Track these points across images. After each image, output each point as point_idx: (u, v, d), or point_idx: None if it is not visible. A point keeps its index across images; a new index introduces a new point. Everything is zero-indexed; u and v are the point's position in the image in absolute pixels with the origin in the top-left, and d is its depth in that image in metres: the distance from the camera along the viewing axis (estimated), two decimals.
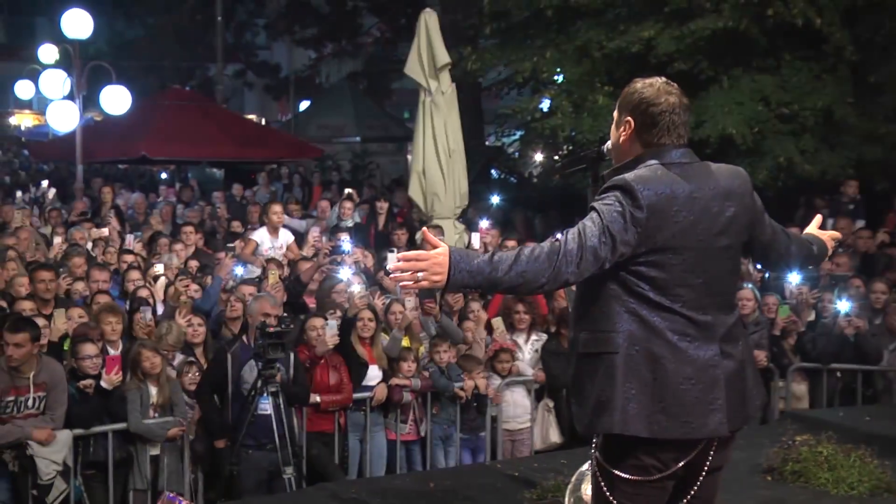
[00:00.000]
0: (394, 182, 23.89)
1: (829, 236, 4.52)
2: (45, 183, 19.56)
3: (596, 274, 3.69)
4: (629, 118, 3.94)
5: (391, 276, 3.89)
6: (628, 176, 3.75)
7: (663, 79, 4.01)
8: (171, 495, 7.49)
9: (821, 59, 15.14)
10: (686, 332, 3.75)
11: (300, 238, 12.95)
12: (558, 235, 3.69)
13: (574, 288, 3.95)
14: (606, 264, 3.67)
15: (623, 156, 3.98)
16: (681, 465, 3.76)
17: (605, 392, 3.74)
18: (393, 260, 11.14)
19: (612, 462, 3.80)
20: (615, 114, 4.04)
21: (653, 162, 3.83)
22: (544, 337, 9.81)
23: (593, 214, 3.70)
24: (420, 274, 3.64)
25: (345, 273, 10.15)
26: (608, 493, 3.83)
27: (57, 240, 12.22)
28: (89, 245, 12.22)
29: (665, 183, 3.74)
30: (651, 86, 3.96)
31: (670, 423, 3.70)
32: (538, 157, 21.40)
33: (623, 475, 3.77)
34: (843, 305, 9.77)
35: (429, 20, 13.53)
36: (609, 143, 4.11)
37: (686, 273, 3.74)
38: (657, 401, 3.70)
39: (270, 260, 11.07)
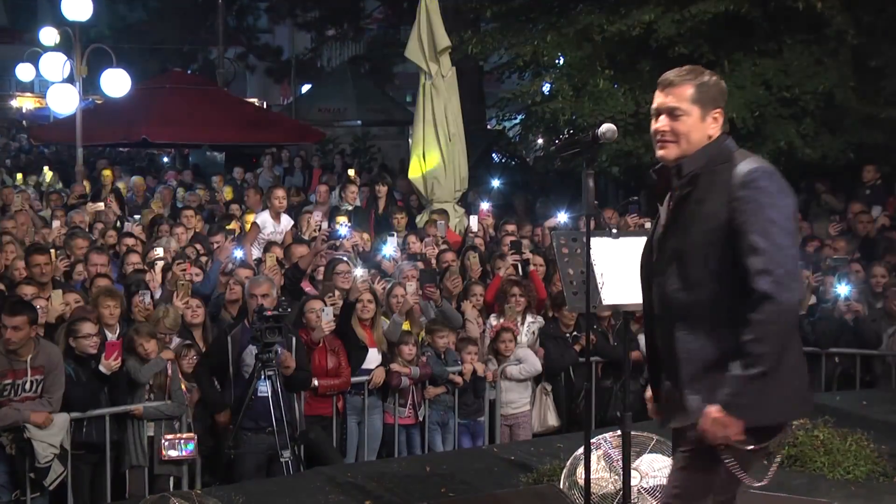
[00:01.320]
0: (383, 168, 23.84)
1: None
2: (45, 168, 19.58)
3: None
4: (720, 110, 4.01)
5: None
6: (766, 166, 3.88)
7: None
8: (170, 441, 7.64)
9: (822, 42, 15.11)
10: None
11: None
12: (759, 283, 3.72)
13: (701, 283, 3.91)
14: None
15: (701, 144, 4.00)
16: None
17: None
18: (392, 244, 11.23)
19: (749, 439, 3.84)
20: (694, 107, 3.98)
21: (731, 143, 3.99)
22: (540, 320, 9.81)
23: (773, 229, 3.74)
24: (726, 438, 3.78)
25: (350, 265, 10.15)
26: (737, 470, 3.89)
27: (55, 223, 12.20)
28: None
29: None
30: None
31: (808, 403, 4.01)
32: (539, 141, 21.38)
33: (759, 447, 3.86)
34: (843, 290, 9.76)
35: (429, 3, 13.50)
36: (668, 130, 4.03)
37: None
38: (802, 382, 3.92)
39: (272, 243, 11.07)
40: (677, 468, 4.12)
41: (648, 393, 4.31)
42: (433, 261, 11.12)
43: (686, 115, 3.96)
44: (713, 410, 3.76)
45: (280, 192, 12.59)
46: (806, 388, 3.97)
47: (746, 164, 3.84)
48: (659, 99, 4.04)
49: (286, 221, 12.34)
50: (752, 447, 3.82)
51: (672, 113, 3.98)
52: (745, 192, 3.78)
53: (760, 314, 3.69)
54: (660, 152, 4.04)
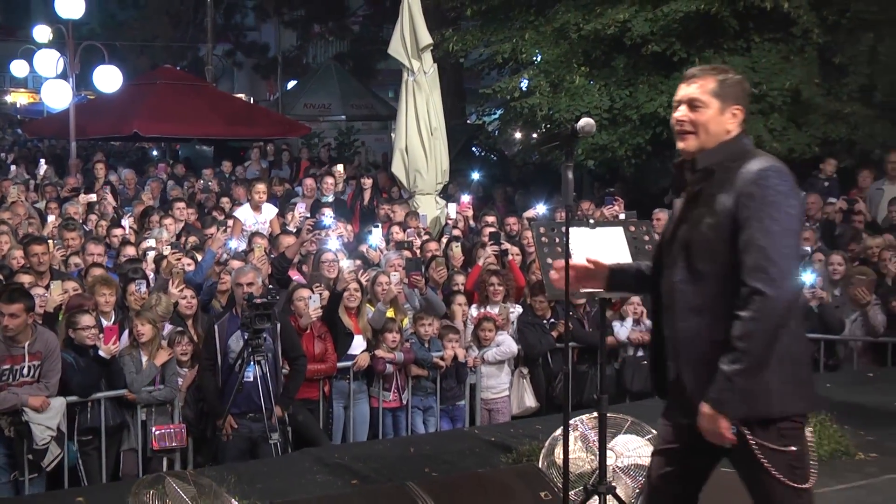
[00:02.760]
0: (371, 164, 23.81)
1: None
2: (42, 161, 19.53)
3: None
4: (740, 106, 3.95)
5: None
6: (778, 164, 3.81)
7: None
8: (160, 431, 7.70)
9: (789, 41, 15.20)
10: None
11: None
12: (755, 284, 3.68)
13: (705, 276, 3.85)
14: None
15: (719, 138, 3.95)
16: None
17: (762, 378, 3.75)
18: (377, 235, 11.25)
19: (780, 441, 3.77)
20: (714, 100, 3.93)
21: (748, 142, 3.95)
22: (518, 308, 9.84)
23: (775, 228, 3.69)
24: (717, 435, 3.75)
25: (333, 244, 10.20)
26: (785, 477, 3.78)
27: (51, 218, 12.14)
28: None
29: None
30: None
31: (815, 394, 3.90)
32: (517, 135, 21.41)
33: (796, 450, 3.78)
34: (808, 278, 9.82)
35: (412, 2, 13.46)
36: (686, 120, 3.98)
37: None
38: (808, 375, 3.85)
39: (255, 233, 11.08)
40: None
41: None
42: (417, 250, 11.16)
43: (705, 108, 3.91)
44: (704, 408, 3.73)
45: (260, 187, 12.64)
46: (810, 381, 3.87)
47: (759, 162, 3.78)
48: (681, 91, 3.99)
49: (268, 212, 12.39)
50: (786, 448, 3.76)
51: (692, 104, 3.93)
52: (753, 189, 3.73)
53: (749, 311, 3.65)
54: (680, 144, 3.99)
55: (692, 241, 3.87)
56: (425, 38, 13.48)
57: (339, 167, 16.42)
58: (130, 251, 10.27)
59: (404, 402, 9.12)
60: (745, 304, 3.66)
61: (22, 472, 7.39)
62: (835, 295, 10.10)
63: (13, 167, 19.03)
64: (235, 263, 9.47)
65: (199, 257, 10.01)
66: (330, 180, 14.37)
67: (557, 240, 5.46)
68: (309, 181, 14.96)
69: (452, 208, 12.84)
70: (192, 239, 11.15)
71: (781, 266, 3.65)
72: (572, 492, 5.14)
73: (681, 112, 3.96)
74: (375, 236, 11.18)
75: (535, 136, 18.50)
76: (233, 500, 5.10)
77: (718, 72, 3.97)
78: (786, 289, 3.65)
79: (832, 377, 9.41)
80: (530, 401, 9.61)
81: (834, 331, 9.82)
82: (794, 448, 3.77)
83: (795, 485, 3.77)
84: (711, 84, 3.92)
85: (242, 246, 10.86)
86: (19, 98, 45.70)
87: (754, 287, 3.64)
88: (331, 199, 13.99)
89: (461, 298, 9.72)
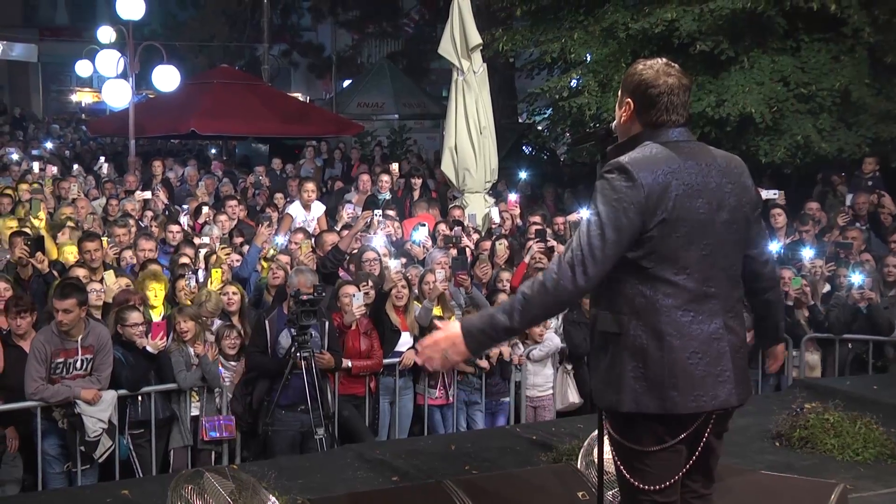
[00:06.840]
0: (419, 159, 23.79)
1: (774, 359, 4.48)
2: (102, 158, 19.77)
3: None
4: (629, 99, 3.85)
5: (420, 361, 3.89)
6: (623, 159, 3.67)
7: (664, 60, 3.89)
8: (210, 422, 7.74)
9: (839, 40, 14.99)
10: (689, 307, 3.67)
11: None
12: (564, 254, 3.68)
13: None
14: (619, 252, 3.61)
15: (624, 134, 3.91)
16: (690, 431, 3.69)
17: (614, 371, 3.71)
18: (423, 232, 11.19)
19: (625, 435, 3.75)
20: (619, 94, 3.94)
21: (649, 142, 3.76)
22: None
23: (592, 217, 3.64)
24: (445, 355, 3.74)
25: (377, 241, 10.17)
26: (624, 469, 3.78)
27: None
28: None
29: (661, 160, 3.67)
30: (651, 67, 3.84)
31: (682, 397, 3.64)
32: (568, 134, 21.28)
33: (636, 447, 3.72)
34: (857, 278, 9.65)
35: (462, 3, 13.44)
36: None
37: (689, 244, 3.66)
38: (668, 376, 3.64)
39: (298, 230, 11.10)
40: None
41: None
42: (468, 248, 11.03)
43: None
44: None
45: (310, 185, 12.80)
46: (670, 384, 3.65)
47: (621, 158, 3.72)
48: None
49: (317, 210, 12.48)
50: (628, 444, 3.74)
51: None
52: (597, 182, 3.70)
53: (547, 278, 3.67)
54: None
55: None
56: (475, 37, 13.45)
57: (395, 166, 16.44)
58: (185, 248, 10.31)
59: (451, 400, 9.07)
60: (558, 258, 3.73)
61: (75, 462, 7.45)
62: (884, 296, 9.91)
63: (75, 165, 19.28)
64: (284, 258, 9.49)
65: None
66: (386, 178, 14.40)
67: None
68: (364, 176, 14.98)
69: (495, 212, 12.78)
70: (237, 238, 11.20)
71: (577, 256, 3.60)
72: (609, 493, 5.05)
73: None
74: (421, 233, 11.15)
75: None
76: (271, 495, 5.09)
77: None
78: (574, 276, 3.60)
79: (880, 379, 9.21)
80: (574, 396, 9.52)
81: (882, 332, 9.61)
82: (636, 447, 3.72)
83: (634, 481, 3.74)
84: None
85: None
86: (84, 97, 46.26)
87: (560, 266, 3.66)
88: (388, 196, 14.02)
89: (504, 297, 9.62)
